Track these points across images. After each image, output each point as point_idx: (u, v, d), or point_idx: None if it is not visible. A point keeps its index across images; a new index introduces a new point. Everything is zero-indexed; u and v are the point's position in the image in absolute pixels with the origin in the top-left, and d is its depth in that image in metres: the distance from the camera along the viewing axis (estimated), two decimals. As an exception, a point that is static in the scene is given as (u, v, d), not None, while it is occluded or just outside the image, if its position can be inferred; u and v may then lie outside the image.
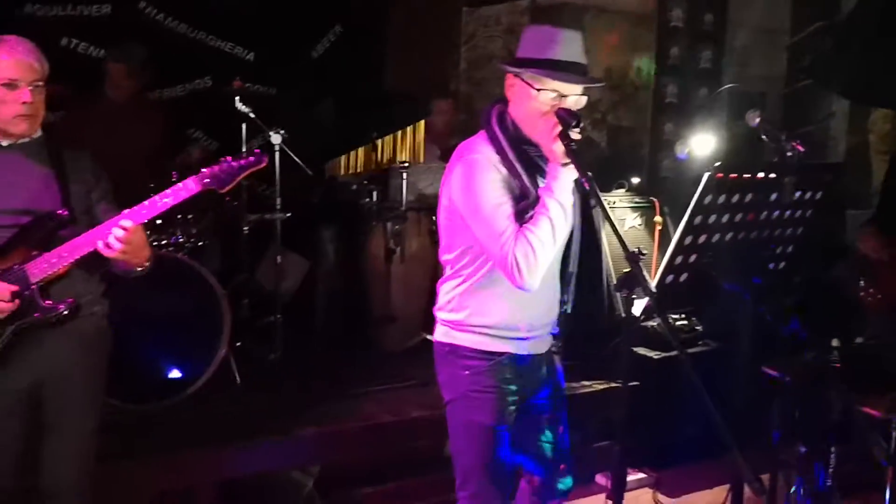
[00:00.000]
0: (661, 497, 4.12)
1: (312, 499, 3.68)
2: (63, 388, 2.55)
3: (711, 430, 1.86)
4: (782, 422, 3.21)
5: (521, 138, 2.41)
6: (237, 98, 4.44)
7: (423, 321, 4.82)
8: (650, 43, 6.60)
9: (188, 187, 2.53)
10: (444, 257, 2.56)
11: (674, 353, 4.18)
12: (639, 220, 4.65)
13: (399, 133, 5.72)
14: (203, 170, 2.57)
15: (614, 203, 4.60)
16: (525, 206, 2.35)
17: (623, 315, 2.33)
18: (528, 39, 2.43)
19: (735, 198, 2.59)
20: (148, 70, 4.80)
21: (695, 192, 2.51)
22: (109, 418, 2.83)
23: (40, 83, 2.50)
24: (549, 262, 2.34)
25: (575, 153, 2.25)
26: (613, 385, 3.43)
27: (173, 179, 4.23)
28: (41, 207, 2.49)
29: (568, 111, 2.31)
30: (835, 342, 3.44)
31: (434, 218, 4.83)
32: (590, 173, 2.23)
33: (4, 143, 2.52)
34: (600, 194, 2.24)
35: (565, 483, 2.71)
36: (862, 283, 4.04)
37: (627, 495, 2.39)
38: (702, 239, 2.62)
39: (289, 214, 4.63)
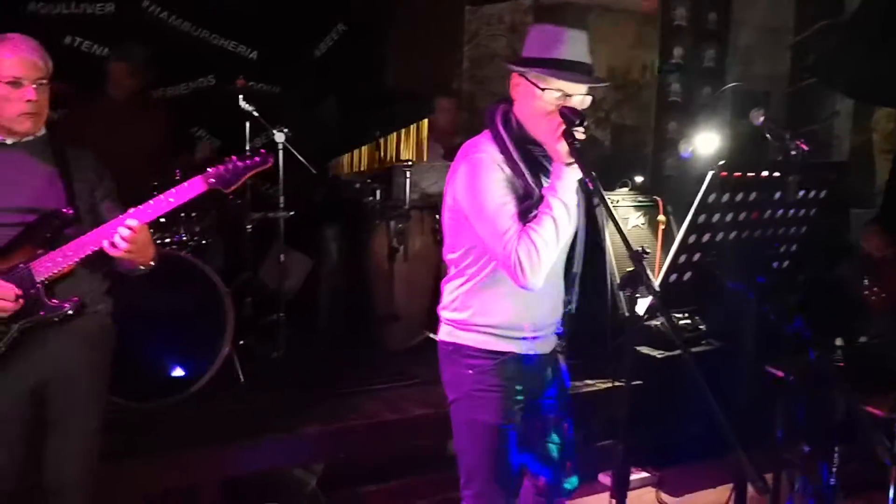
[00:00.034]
0: (664, 496, 4.11)
1: (316, 497, 3.69)
2: (67, 386, 2.55)
3: (715, 430, 1.85)
4: (786, 421, 3.20)
5: (525, 138, 2.41)
6: (241, 96, 4.45)
7: (426, 320, 4.83)
8: (654, 42, 6.60)
9: (193, 187, 2.53)
10: (448, 257, 2.56)
11: (677, 352, 4.17)
12: (642, 219, 4.64)
13: (402, 132, 5.72)
14: (208, 169, 2.57)
15: (617, 202, 4.60)
16: (529, 205, 2.35)
17: (626, 314, 2.33)
18: (533, 39, 2.43)
19: (739, 196, 2.59)
20: (150, 69, 4.82)
21: (699, 191, 2.50)
22: (113, 416, 2.84)
23: (44, 81, 2.50)
24: (552, 261, 2.34)
25: (579, 152, 2.25)
26: (616, 384, 3.41)
27: (177, 178, 4.25)
28: (46, 206, 2.49)
29: (572, 109, 2.31)
30: (839, 341, 3.45)
31: (437, 217, 4.85)
32: (594, 173, 2.23)
33: (9, 142, 2.52)
34: (604, 193, 2.24)
35: (571, 482, 2.71)
36: (866, 282, 4.03)
37: (630, 494, 2.39)
38: (705, 237, 2.61)
39: (292, 213, 4.64)
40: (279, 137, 4.42)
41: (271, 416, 3.81)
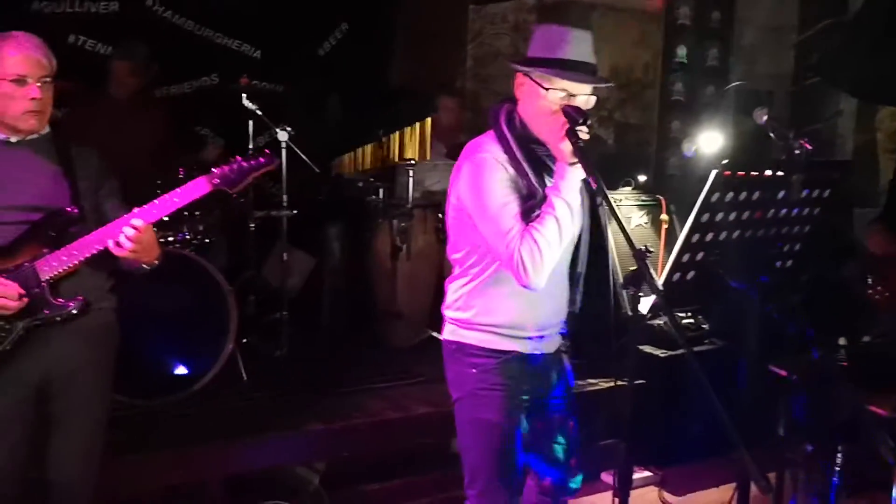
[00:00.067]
0: (666, 495, 4.11)
1: (318, 495, 3.69)
2: (71, 384, 2.55)
3: (717, 429, 1.86)
4: (789, 420, 3.20)
5: (529, 137, 2.41)
6: (244, 95, 4.46)
7: (429, 318, 4.83)
8: (657, 41, 6.59)
9: (198, 187, 2.53)
10: (452, 256, 2.57)
11: (680, 351, 4.17)
12: (645, 219, 4.64)
13: (405, 130, 5.71)
14: (213, 170, 2.57)
15: (620, 201, 4.59)
16: (532, 205, 2.35)
17: (629, 313, 2.33)
18: (538, 39, 2.43)
19: (742, 195, 2.58)
20: (152, 68, 4.82)
21: (702, 190, 2.50)
22: (116, 414, 2.84)
23: (48, 79, 2.50)
24: (555, 261, 2.34)
25: (582, 151, 2.25)
26: (619, 383, 3.42)
27: (180, 176, 4.26)
28: (51, 204, 2.49)
29: (575, 108, 2.31)
30: (842, 341, 3.44)
31: (440, 215, 4.87)
32: (597, 172, 2.23)
33: (13, 140, 2.52)
34: (607, 192, 2.24)
35: (575, 482, 2.72)
36: (869, 281, 4.02)
37: (633, 493, 2.39)
38: (709, 237, 2.61)
39: (295, 211, 4.65)
40: (282, 136, 4.43)
41: (274, 415, 3.82)
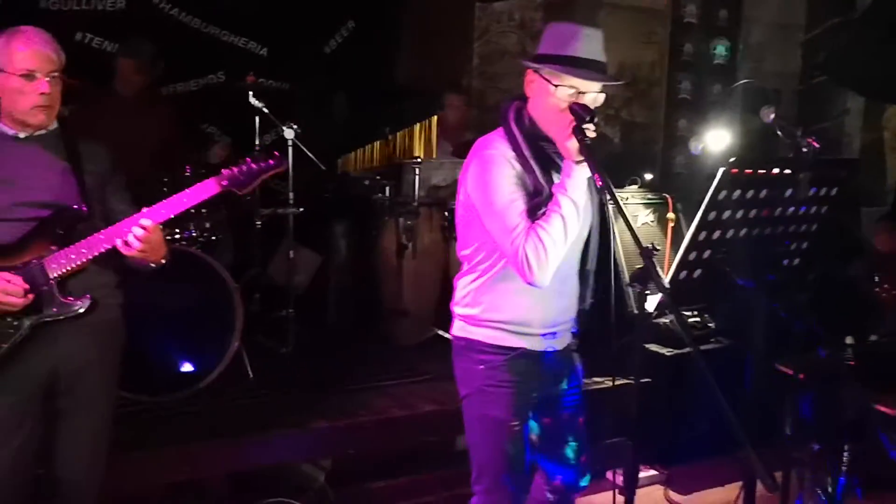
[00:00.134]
0: (672, 494, 4.11)
1: (324, 492, 3.69)
2: (78, 381, 2.55)
3: (724, 427, 1.85)
4: (795, 419, 3.19)
5: (537, 134, 2.41)
6: (250, 93, 4.46)
7: (435, 316, 4.83)
8: (664, 39, 6.58)
9: (206, 189, 2.53)
10: (461, 252, 2.57)
11: (686, 349, 4.17)
12: (651, 217, 4.63)
13: (412, 128, 5.71)
14: (222, 171, 2.57)
15: (627, 199, 4.59)
16: (538, 202, 2.35)
17: (635, 311, 2.33)
18: (549, 36, 2.43)
19: (749, 193, 2.57)
20: (158, 66, 4.82)
21: (709, 188, 2.49)
22: (122, 410, 2.84)
23: (57, 74, 2.50)
24: (560, 259, 2.34)
25: (589, 149, 2.25)
26: (625, 382, 3.43)
27: (186, 174, 4.27)
28: (59, 200, 2.49)
29: (582, 106, 2.31)
30: (849, 339, 3.43)
31: (446, 213, 4.86)
32: (604, 170, 2.23)
33: (22, 135, 2.52)
34: (614, 190, 2.24)
35: (584, 480, 2.72)
36: (877, 279, 4.02)
37: (639, 492, 2.39)
38: (716, 235, 2.60)
39: (301, 209, 4.64)
40: (289, 134, 4.43)
41: (280, 412, 3.82)
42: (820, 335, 3.10)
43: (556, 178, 2.39)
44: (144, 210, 2.50)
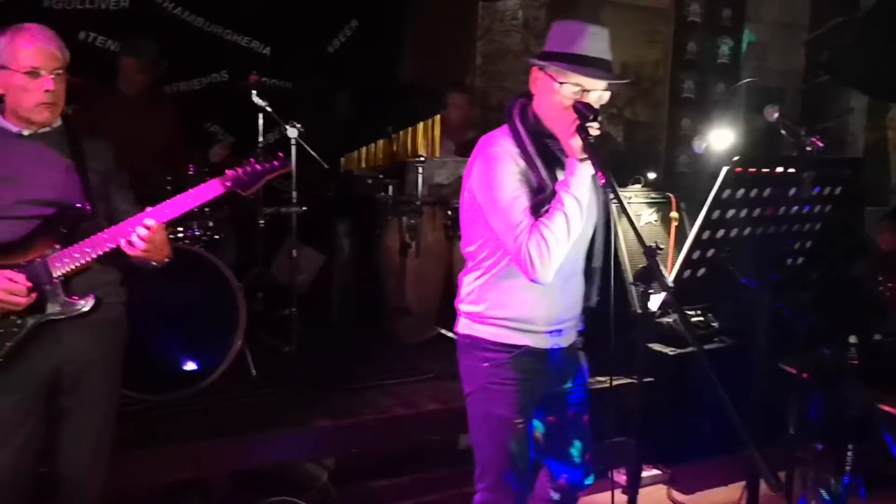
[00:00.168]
0: (675, 493, 4.10)
1: (327, 491, 3.69)
2: (81, 379, 2.55)
3: (727, 427, 1.85)
4: (799, 419, 3.19)
5: (542, 132, 2.42)
6: (254, 92, 4.46)
7: (438, 315, 4.83)
8: (667, 38, 6.57)
9: (210, 189, 2.53)
10: (466, 249, 2.58)
11: (689, 349, 4.16)
12: (655, 216, 4.63)
13: (415, 127, 5.71)
14: (227, 172, 2.57)
15: (630, 198, 4.59)
16: (542, 199, 2.35)
17: (639, 310, 2.33)
18: (555, 34, 2.44)
19: (753, 192, 2.57)
20: (161, 65, 4.83)
21: (712, 187, 2.49)
22: (126, 409, 2.85)
23: (61, 71, 2.50)
24: (562, 256, 2.34)
25: (592, 148, 2.25)
26: (628, 381, 3.42)
27: (190, 173, 4.27)
28: (63, 198, 2.48)
29: (585, 104, 2.31)
30: (853, 339, 3.42)
31: (449, 212, 4.86)
32: (607, 169, 2.23)
33: (26, 133, 2.52)
34: (617, 189, 2.24)
35: (588, 479, 2.72)
36: (880, 278, 4.01)
37: (642, 491, 2.39)
38: (719, 233, 2.60)
39: (304, 208, 4.65)
40: (292, 133, 4.43)
41: (283, 411, 3.82)
42: (823, 334, 3.10)
43: (560, 175, 2.39)
44: (148, 210, 2.50)
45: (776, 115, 2.81)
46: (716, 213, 2.54)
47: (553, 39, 2.42)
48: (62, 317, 2.48)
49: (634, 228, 2.19)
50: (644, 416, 2.56)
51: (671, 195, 4.69)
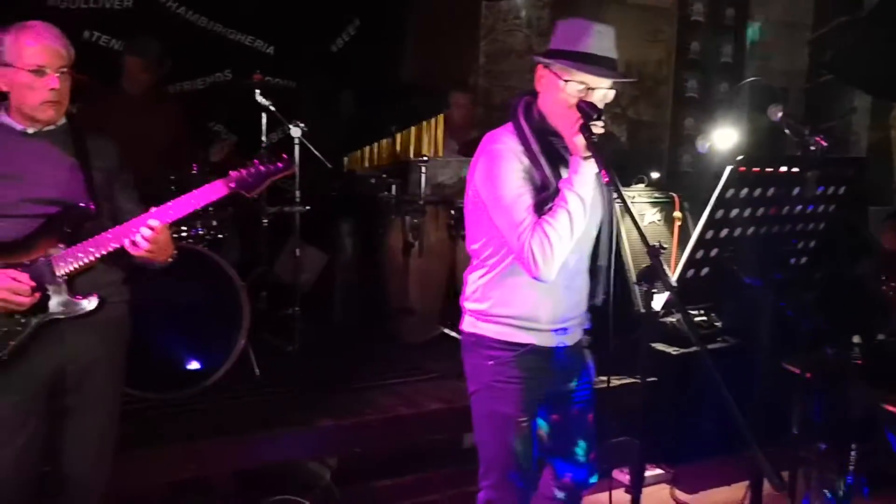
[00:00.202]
0: (678, 493, 4.10)
1: (330, 490, 3.69)
2: (85, 378, 2.55)
3: (730, 427, 1.85)
4: (802, 418, 3.19)
5: (546, 129, 2.42)
6: (257, 91, 4.47)
7: (441, 314, 4.83)
8: (670, 37, 6.57)
9: (215, 190, 2.53)
10: (470, 247, 2.58)
11: (693, 348, 4.16)
12: (658, 216, 4.63)
13: (418, 126, 5.72)
14: (231, 172, 2.57)
15: (634, 198, 4.59)
16: (545, 197, 2.35)
17: (642, 310, 2.33)
18: (560, 32, 2.44)
19: (757, 192, 2.57)
20: (165, 64, 4.83)
21: (716, 186, 2.49)
22: (129, 408, 2.85)
23: (66, 69, 2.50)
24: (565, 254, 2.34)
25: (596, 146, 2.25)
26: (632, 380, 3.42)
27: (193, 172, 4.27)
28: (67, 197, 2.48)
29: (589, 104, 2.31)
30: (856, 338, 3.42)
31: (452, 212, 4.86)
32: (610, 168, 2.23)
33: (30, 131, 2.52)
34: (621, 188, 2.24)
35: (592, 478, 2.72)
36: (884, 278, 4.00)
37: (645, 491, 2.39)
38: (723, 233, 2.60)
39: (308, 207, 4.65)
40: (295, 132, 4.44)
41: (286, 410, 3.82)
42: (827, 334, 3.09)
43: (564, 173, 2.39)
44: (152, 210, 2.50)
45: (780, 114, 2.81)
46: (719, 213, 2.53)
47: (558, 37, 2.42)
48: (66, 316, 2.48)
49: (638, 228, 2.19)
50: (647, 416, 2.56)
51: (674, 195, 4.69)
